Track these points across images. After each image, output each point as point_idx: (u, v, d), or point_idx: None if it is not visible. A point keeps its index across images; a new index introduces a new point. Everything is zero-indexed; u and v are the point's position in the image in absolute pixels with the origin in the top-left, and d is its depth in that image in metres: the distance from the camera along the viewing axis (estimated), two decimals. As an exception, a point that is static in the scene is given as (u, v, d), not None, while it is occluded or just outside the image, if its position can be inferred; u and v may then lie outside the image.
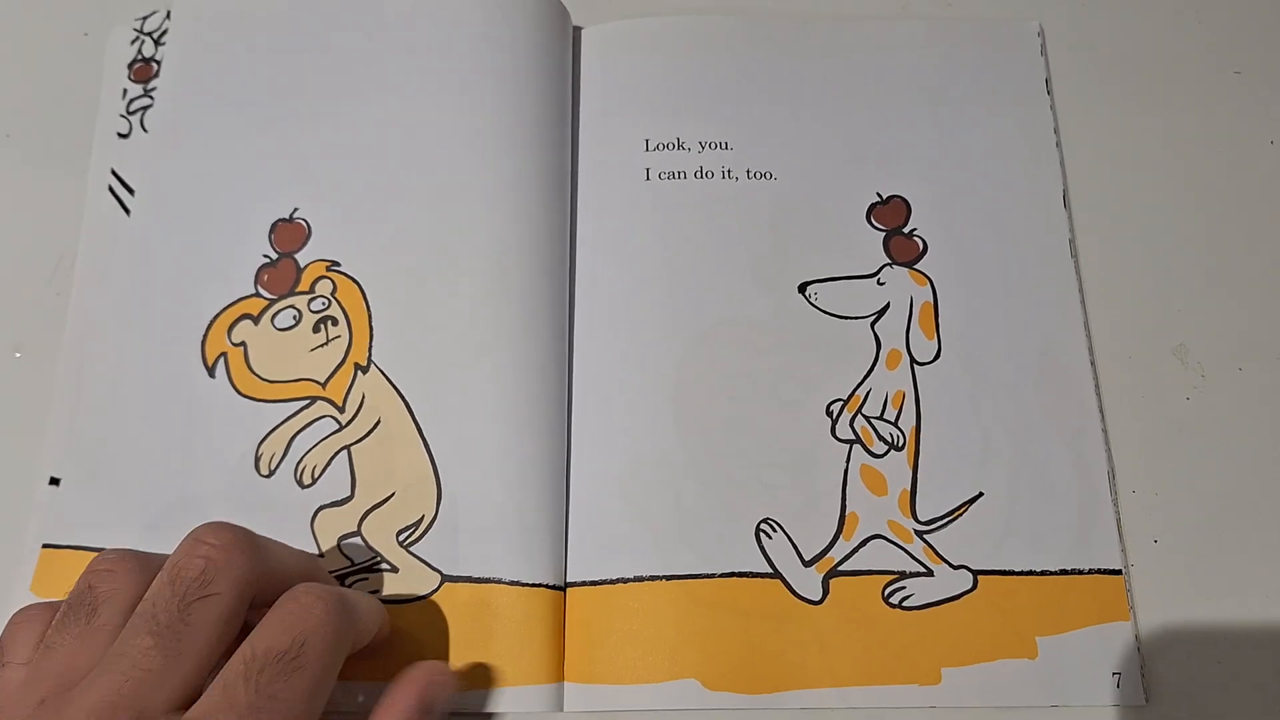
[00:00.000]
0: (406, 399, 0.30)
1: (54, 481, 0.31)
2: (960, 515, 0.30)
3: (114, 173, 0.34)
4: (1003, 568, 0.29)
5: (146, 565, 0.23)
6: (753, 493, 0.30)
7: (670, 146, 0.34)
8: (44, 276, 0.33)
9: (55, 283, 0.33)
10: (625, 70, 0.35)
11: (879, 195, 0.34)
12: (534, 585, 0.28)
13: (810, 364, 0.31)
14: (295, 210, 0.33)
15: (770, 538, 0.29)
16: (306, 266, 0.32)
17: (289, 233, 0.33)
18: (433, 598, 0.28)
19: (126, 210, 0.34)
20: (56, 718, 0.20)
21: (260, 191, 0.33)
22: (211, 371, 0.31)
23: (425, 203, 0.32)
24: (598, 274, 0.33)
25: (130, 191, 0.34)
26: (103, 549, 0.29)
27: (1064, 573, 0.29)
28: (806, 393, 0.31)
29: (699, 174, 0.34)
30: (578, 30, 0.36)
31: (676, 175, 0.34)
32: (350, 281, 0.32)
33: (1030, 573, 0.29)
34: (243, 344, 0.31)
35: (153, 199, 0.34)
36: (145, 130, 0.35)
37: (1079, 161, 0.34)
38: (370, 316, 0.31)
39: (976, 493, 0.30)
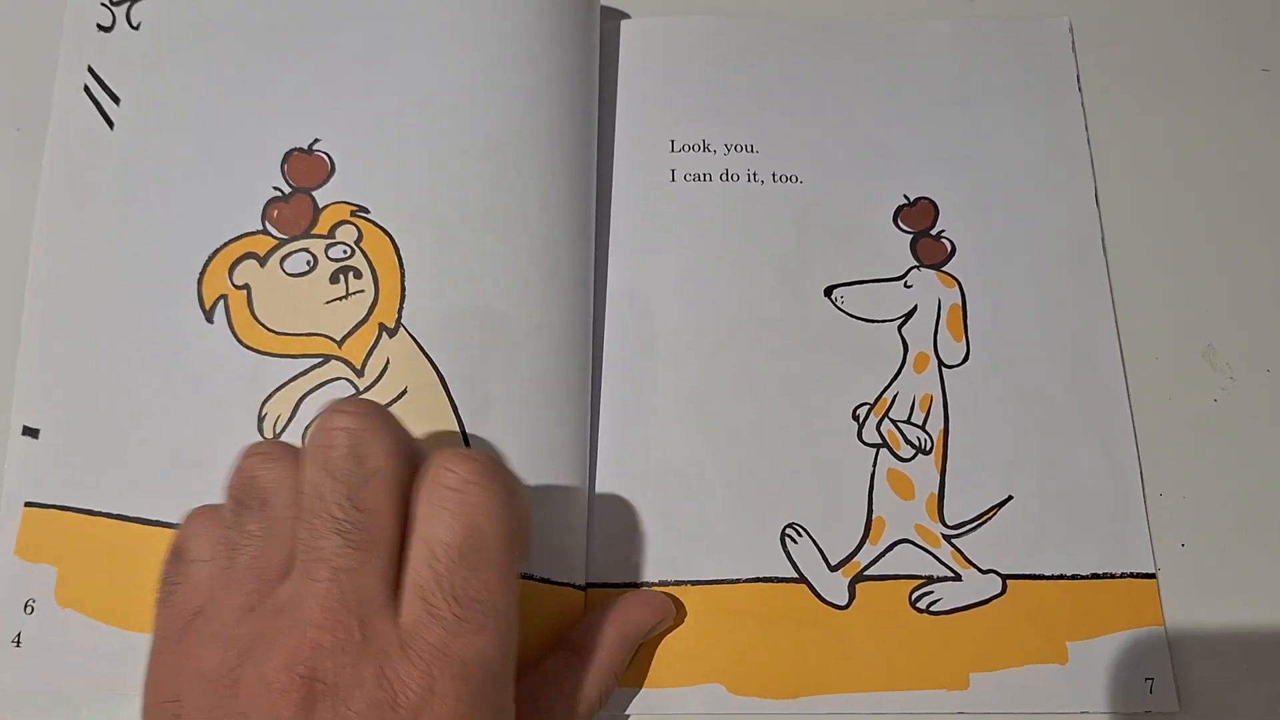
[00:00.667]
0: (440, 369, 0.28)
1: (28, 432, 0.28)
2: (989, 519, 0.30)
3: (92, 71, 0.30)
4: (1033, 572, 0.29)
5: (296, 449, 0.24)
6: (778, 497, 0.30)
7: (695, 148, 0.34)
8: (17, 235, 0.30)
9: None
10: (653, 68, 0.35)
11: (906, 197, 0.34)
12: (560, 584, 0.28)
13: (836, 368, 0.31)
14: (315, 141, 0.30)
15: (796, 542, 0.29)
16: (326, 207, 0.29)
17: (306, 165, 0.30)
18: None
19: (109, 121, 0.30)
20: (276, 626, 0.21)
21: (273, 114, 0.30)
22: (209, 315, 0.29)
23: (471, 154, 0.30)
24: (622, 273, 0.32)
25: (114, 99, 0.30)
26: (90, 510, 0.27)
27: (1095, 577, 0.29)
28: (832, 397, 0.31)
29: (724, 176, 0.33)
30: (619, 19, 0.35)
31: (702, 177, 0.33)
32: (380, 231, 0.29)
33: (1061, 577, 0.29)
34: (246, 286, 0.29)
35: (141, 110, 0.30)
36: (133, 26, 0.30)
37: (1107, 160, 0.34)
38: (403, 275, 0.29)
39: (1006, 496, 0.30)
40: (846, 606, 0.29)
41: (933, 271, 0.33)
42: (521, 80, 0.31)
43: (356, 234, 0.29)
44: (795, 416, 0.31)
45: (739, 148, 0.34)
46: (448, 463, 0.22)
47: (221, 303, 0.29)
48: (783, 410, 0.31)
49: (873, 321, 0.32)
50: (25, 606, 0.27)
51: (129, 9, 0.31)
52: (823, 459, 0.30)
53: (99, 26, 0.31)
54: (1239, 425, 0.31)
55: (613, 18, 0.35)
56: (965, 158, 0.34)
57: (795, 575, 0.29)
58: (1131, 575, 0.29)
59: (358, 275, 0.29)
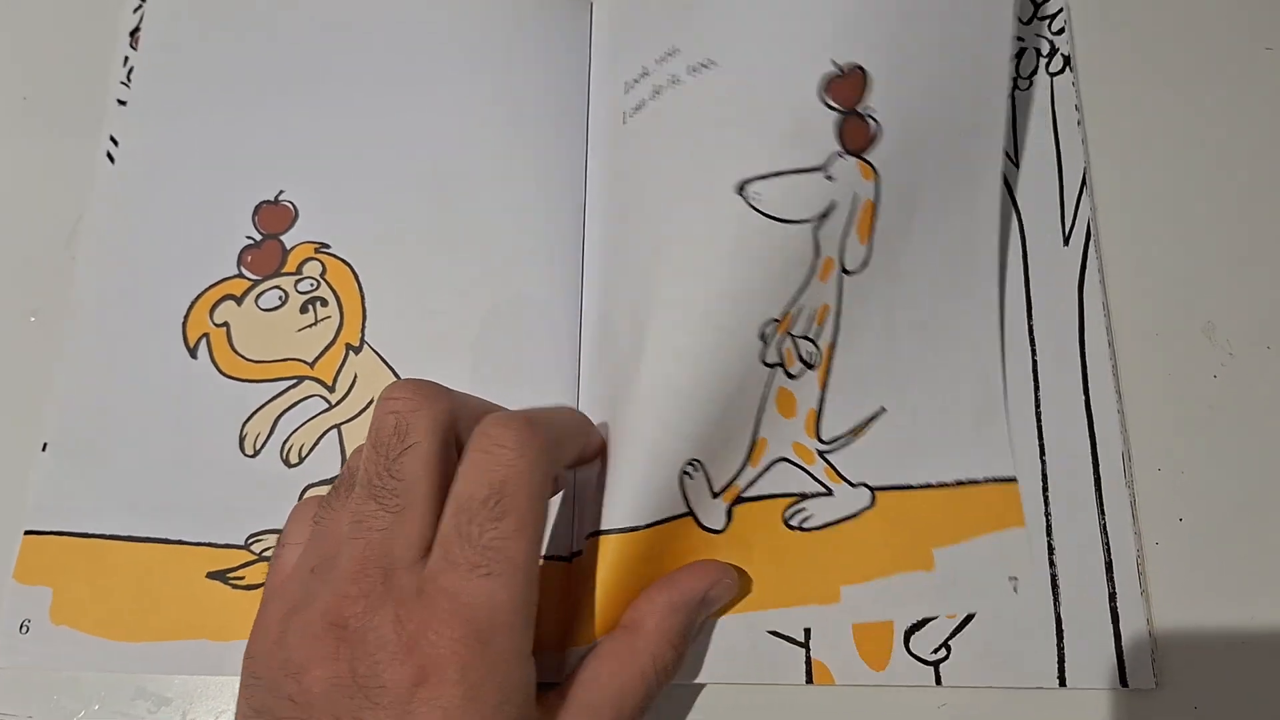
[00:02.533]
0: (401, 378, 0.31)
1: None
2: (863, 433, 0.30)
3: (112, 139, 0.36)
4: (901, 483, 0.30)
5: None
6: (682, 435, 0.28)
7: (637, 80, 0.33)
8: (61, 241, 0.35)
9: (72, 247, 0.34)
10: (617, 29, 0.36)
11: (835, 64, 0.30)
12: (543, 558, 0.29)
13: (747, 282, 0.29)
14: (280, 192, 0.34)
15: (692, 478, 0.29)
16: (293, 248, 0.33)
17: (274, 214, 0.34)
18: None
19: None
20: (322, 582, 0.24)
21: (243, 172, 0.35)
22: (193, 352, 0.32)
23: (419, 185, 0.34)
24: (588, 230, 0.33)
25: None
26: (85, 533, 0.30)
27: (960, 484, 0.30)
28: (741, 317, 0.29)
29: (654, 94, 0.32)
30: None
31: (640, 107, 0.33)
32: (341, 263, 0.33)
33: (928, 486, 0.30)
34: (225, 324, 0.33)
35: (131, 171, 0.35)
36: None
37: (1103, 137, 0.35)
38: (363, 298, 0.33)
39: (879, 408, 0.30)
40: (723, 530, 0.29)
41: (855, 160, 0.30)
42: (490, 103, 0.34)
43: (321, 268, 0.33)
44: (704, 344, 0.28)
45: (665, 57, 0.32)
46: (485, 428, 0.25)
47: (204, 341, 0.32)
48: (691, 337, 0.28)
49: (789, 222, 0.29)
50: (21, 627, 0.29)
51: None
52: (727, 388, 0.28)
53: (118, 102, 0.36)
54: (1238, 401, 0.32)
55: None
56: (899, 22, 0.30)
57: (686, 509, 0.29)
58: (994, 480, 0.30)
59: (324, 304, 0.32)
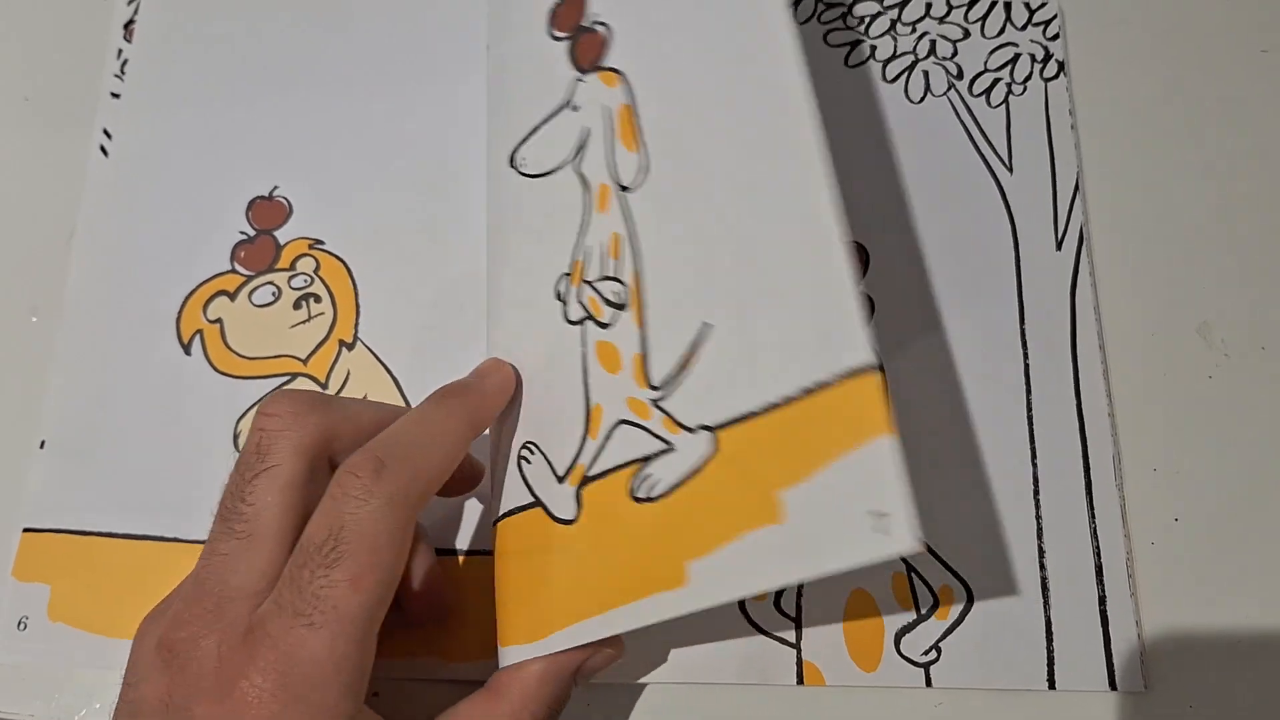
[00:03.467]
0: (395, 375, 0.31)
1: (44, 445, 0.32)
2: (691, 363, 0.24)
3: (106, 132, 0.36)
4: (742, 412, 0.23)
5: None
6: (510, 418, 0.27)
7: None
8: (62, 238, 0.35)
9: (74, 247, 0.35)
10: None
11: None
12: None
13: (530, 245, 0.28)
14: (275, 189, 0.34)
15: (530, 463, 0.26)
16: (286, 244, 0.34)
17: (268, 210, 0.34)
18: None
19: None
20: (173, 597, 0.24)
21: (237, 167, 0.35)
22: (187, 349, 0.33)
23: (413, 181, 0.35)
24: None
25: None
26: (82, 530, 0.30)
27: (808, 392, 0.21)
28: (534, 281, 0.27)
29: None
30: None
31: None
32: (335, 260, 0.33)
33: (772, 406, 0.22)
34: (219, 320, 0.33)
35: (124, 165, 0.35)
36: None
37: (1097, 142, 0.35)
38: (357, 294, 0.33)
39: (701, 326, 0.24)
40: (574, 520, 0.25)
41: (594, 74, 0.28)
42: (478, 101, 0.35)
43: (315, 264, 0.33)
44: (510, 322, 0.28)
45: None
46: (339, 473, 0.23)
47: (198, 337, 0.32)
48: (498, 319, 0.29)
49: (551, 173, 0.28)
50: (19, 624, 0.30)
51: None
52: (538, 360, 0.27)
53: (112, 95, 0.36)
54: (1234, 401, 0.32)
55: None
56: None
57: (532, 498, 0.26)
58: (849, 374, 0.21)
59: (317, 300, 0.33)
